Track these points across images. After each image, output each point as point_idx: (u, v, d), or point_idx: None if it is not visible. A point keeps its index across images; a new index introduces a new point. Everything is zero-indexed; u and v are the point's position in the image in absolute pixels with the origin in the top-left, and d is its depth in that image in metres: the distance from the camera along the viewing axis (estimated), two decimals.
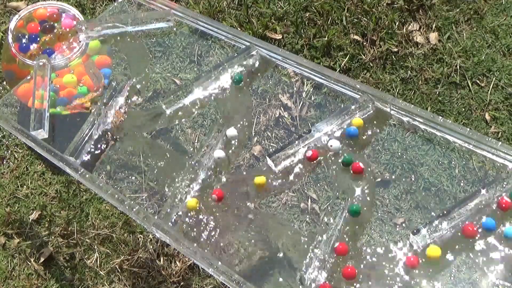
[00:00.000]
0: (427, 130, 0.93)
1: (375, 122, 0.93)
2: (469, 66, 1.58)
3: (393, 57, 1.62)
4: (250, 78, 1.04)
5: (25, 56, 1.21)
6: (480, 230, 0.80)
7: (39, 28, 1.25)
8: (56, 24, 1.26)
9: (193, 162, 0.94)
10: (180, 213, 0.88)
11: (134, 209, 0.87)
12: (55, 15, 1.27)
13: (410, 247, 0.81)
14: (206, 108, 1.02)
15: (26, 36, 1.25)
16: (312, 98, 1.04)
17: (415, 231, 0.80)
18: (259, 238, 0.86)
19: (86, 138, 1.00)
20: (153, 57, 1.14)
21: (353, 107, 0.95)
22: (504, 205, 0.81)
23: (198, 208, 0.88)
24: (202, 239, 0.85)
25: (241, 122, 0.97)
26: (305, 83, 1.05)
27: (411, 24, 1.68)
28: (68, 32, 1.19)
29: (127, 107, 1.04)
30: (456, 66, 1.57)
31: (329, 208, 0.86)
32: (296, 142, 0.91)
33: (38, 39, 1.23)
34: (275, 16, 1.73)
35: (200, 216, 0.88)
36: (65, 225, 1.45)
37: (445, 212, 0.81)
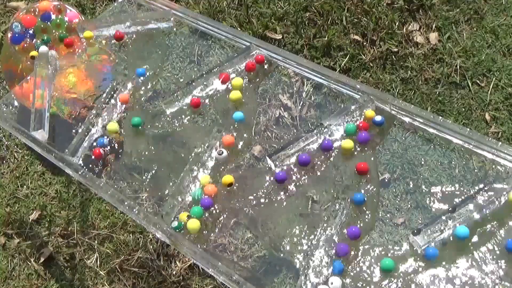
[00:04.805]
0: (427, 130, 0.93)
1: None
2: (469, 66, 1.58)
3: (393, 57, 1.62)
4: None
5: (19, 48, 1.19)
6: None
7: (36, 22, 1.23)
8: (65, 18, 1.24)
9: (193, 162, 0.94)
10: (179, 212, 0.89)
11: (134, 209, 0.87)
12: (59, 6, 1.25)
13: (410, 247, 0.81)
14: (206, 108, 1.02)
15: (20, 28, 1.23)
16: (312, 98, 1.04)
17: (415, 231, 0.80)
18: (259, 238, 0.86)
19: (86, 138, 1.00)
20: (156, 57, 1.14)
21: (353, 107, 0.95)
22: None
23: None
24: (202, 239, 0.85)
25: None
26: (305, 83, 1.05)
27: (411, 24, 1.68)
28: (71, 26, 1.18)
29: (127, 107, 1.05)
30: (456, 66, 1.57)
31: (329, 208, 0.86)
32: (301, 138, 0.92)
33: (34, 32, 1.21)
34: (275, 16, 1.73)
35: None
36: (65, 225, 1.46)
37: (446, 211, 0.82)
